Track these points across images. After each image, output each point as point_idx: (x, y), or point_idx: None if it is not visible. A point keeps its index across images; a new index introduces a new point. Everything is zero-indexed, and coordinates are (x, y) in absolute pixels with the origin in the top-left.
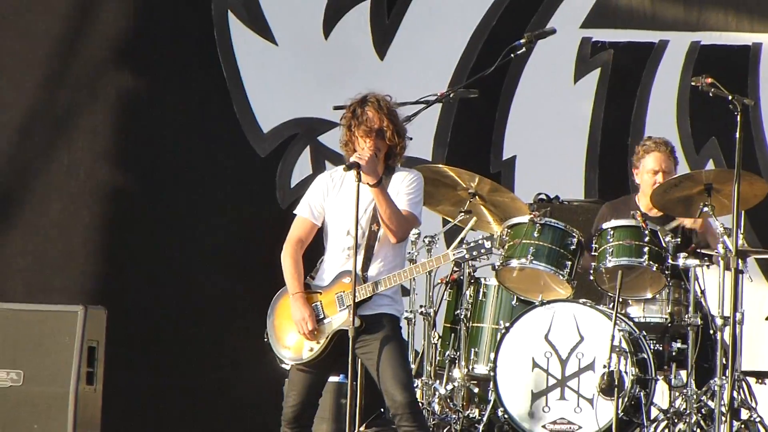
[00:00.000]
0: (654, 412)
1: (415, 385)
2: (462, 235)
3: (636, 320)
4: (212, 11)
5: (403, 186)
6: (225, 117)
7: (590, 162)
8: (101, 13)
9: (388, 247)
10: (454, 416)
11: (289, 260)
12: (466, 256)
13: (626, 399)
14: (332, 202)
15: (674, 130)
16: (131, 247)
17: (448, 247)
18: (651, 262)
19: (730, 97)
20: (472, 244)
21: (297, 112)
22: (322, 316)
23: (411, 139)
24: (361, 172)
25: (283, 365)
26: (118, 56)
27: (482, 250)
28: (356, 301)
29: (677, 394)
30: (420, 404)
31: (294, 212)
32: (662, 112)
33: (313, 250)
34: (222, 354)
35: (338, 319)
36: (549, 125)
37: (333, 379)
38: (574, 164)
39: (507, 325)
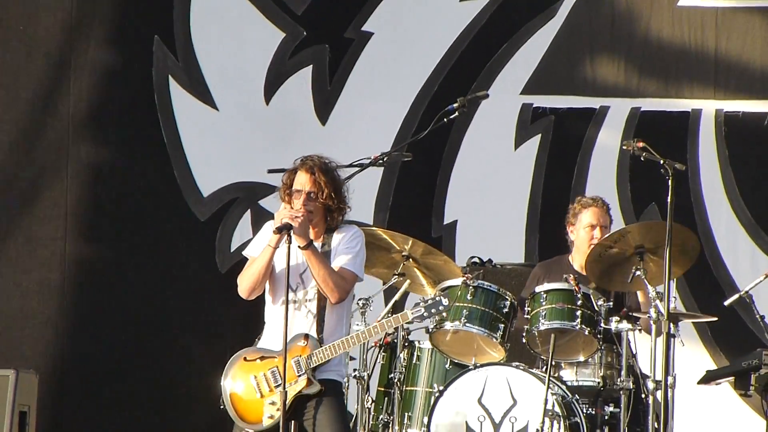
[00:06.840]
0: None
1: None
2: (396, 297)
3: (569, 384)
4: (153, 76)
5: (343, 243)
6: (166, 181)
7: (531, 227)
8: (59, 88)
9: (334, 308)
10: None
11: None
12: (425, 314)
13: None
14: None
15: (614, 195)
16: (74, 310)
17: (385, 308)
18: (583, 326)
19: (661, 161)
20: (429, 302)
21: (238, 177)
22: (280, 383)
23: (350, 209)
24: (291, 234)
25: None
26: (75, 129)
27: (440, 308)
28: (315, 365)
29: None
30: None
31: (243, 253)
32: (603, 177)
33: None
34: (170, 411)
35: (298, 384)
36: (490, 190)
37: None
38: (515, 229)
39: (441, 388)
